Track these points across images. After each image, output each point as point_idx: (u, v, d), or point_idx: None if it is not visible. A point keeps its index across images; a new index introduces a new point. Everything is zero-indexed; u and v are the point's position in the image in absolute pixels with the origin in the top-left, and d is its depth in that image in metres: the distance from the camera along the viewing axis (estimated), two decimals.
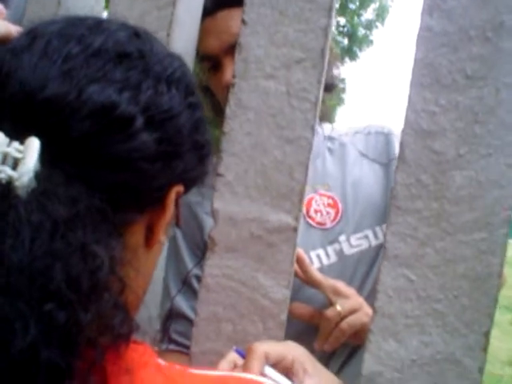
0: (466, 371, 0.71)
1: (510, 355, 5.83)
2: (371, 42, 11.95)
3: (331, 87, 1.17)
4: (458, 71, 0.72)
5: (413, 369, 0.73)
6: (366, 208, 1.11)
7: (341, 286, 0.99)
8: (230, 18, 1.04)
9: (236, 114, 0.83)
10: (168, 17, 0.90)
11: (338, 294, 0.98)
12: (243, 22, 0.84)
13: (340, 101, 11.73)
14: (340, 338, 0.96)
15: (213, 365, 0.82)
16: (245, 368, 0.65)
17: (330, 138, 1.20)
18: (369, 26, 11.78)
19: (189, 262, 1.13)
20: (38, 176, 0.41)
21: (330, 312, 0.96)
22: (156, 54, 0.51)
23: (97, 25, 0.49)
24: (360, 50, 11.86)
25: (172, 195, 0.51)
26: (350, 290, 0.99)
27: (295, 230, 0.79)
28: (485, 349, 0.70)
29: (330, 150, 1.18)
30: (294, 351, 0.69)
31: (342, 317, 0.96)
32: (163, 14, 0.89)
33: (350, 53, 11.57)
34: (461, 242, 0.71)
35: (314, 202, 1.11)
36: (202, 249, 1.09)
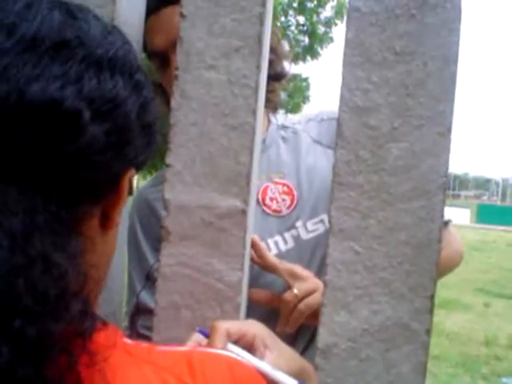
0: (414, 334, 0.73)
1: (485, 335, 5.97)
2: (331, 39, 12.05)
3: (280, 76, 1.20)
4: (387, 49, 0.75)
5: (365, 337, 0.76)
6: (321, 193, 1.14)
7: (297, 269, 1.01)
8: (174, 14, 1.06)
9: (181, 106, 0.85)
10: (109, 15, 0.91)
11: (294, 277, 1.00)
12: (182, 15, 0.86)
13: (305, 98, 11.82)
14: (299, 320, 0.99)
15: None
16: (209, 346, 0.67)
17: (284, 127, 1.22)
18: (328, 23, 11.88)
19: (151, 257, 1.14)
20: None
21: (287, 295, 0.99)
22: (95, 37, 0.48)
23: (27, 7, 0.45)
24: (321, 47, 11.95)
25: (125, 181, 0.52)
26: (306, 273, 1.01)
27: (244, 212, 0.81)
28: (431, 312, 0.73)
29: (283, 138, 1.21)
30: (255, 328, 0.71)
31: (300, 299, 0.98)
32: (104, 12, 0.91)
33: (311, 51, 11.65)
34: (401, 211, 0.74)
35: (269, 191, 1.13)
36: None
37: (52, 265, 0.40)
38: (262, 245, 1.02)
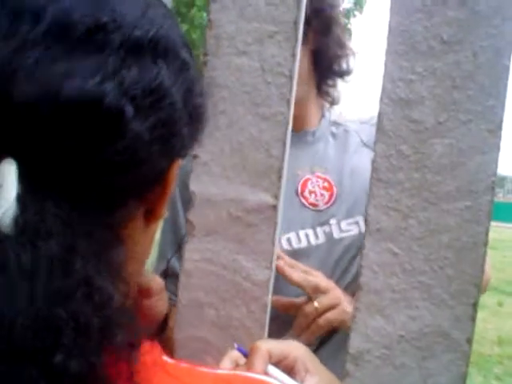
0: (454, 343, 0.69)
1: (499, 335, 5.89)
2: (350, 30, 11.93)
3: (346, 73, 1.16)
4: (434, 37, 0.70)
5: (401, 344, 0.71)
6: (361, 195, 1.10)
7: (320, 281, 0.98)
8: None
9: (210, 93, 0.80)
10: None
11: (316, 290, 0.98)
12: None
13: None
14: (316, 333, 0.98)
15: (198, 351, 0.80)
16: (248, 366, 0.65)
17: (336, 123, 1.20)
18: (347, 14, 11.73)
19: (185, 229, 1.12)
20: (20, 207, 0.34)
21: (307, 308, 0.97)
22: (132, 16, 0.41)
23: None
24: None
25: (172, 174, 0.46)
26: (329, 284, 0.99)
27: (275, 208, 0.77)
28: (473, 319, 0.69)
29: (333, 134, 1.19)
30: (296, 350, 0.69)
31: (320, 313, 0.96)
32: None
33: None
34: (444, 212, 0.69)
35: (309, 183, 1.12)
36: None
37: (95, 290, 0.35)
38: (287, 265, 0.98)
